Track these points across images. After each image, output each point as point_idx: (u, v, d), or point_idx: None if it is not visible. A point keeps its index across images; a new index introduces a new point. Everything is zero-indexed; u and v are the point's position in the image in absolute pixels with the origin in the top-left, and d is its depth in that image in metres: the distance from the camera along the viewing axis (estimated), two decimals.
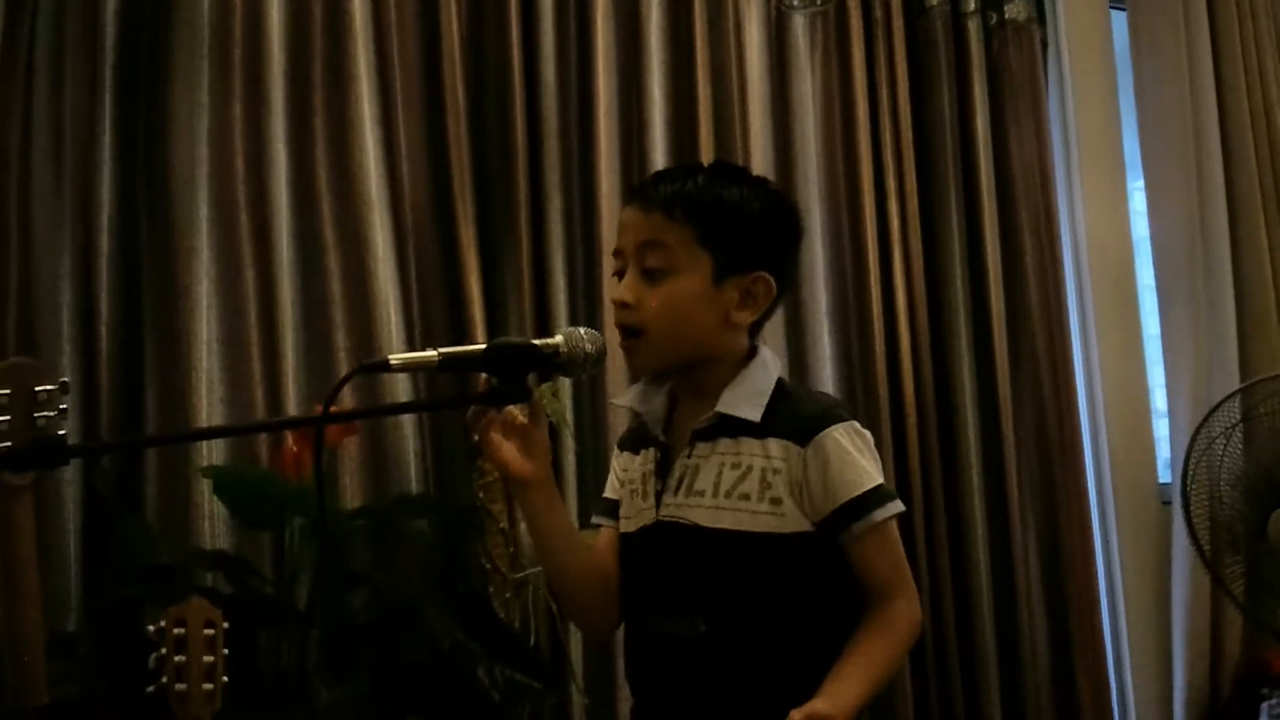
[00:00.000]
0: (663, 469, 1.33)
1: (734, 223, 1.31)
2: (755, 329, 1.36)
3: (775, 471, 1.27)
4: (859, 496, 1.26)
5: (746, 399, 1.30)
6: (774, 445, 1.28)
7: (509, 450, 1.28)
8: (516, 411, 1.29)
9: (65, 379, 1.32)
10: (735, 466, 1.28)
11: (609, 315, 2.42)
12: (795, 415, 1.29)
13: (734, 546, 1.27)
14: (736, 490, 1.27)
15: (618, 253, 1.34)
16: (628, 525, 1.37)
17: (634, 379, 1.41)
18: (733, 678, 1.26)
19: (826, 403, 1.35)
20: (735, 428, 1.30)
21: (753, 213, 1.33)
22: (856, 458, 1.27)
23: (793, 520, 1.27)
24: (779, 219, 1.36)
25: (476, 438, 1.30)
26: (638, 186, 1.38)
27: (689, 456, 1.31)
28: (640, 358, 1.32)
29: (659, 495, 1.32)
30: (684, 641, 1.27)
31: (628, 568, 1.37)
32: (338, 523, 2.07)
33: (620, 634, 2.31)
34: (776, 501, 1.27)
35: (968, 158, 2.87)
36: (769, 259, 1.33)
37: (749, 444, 1.29)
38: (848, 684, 1.22)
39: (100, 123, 2.19)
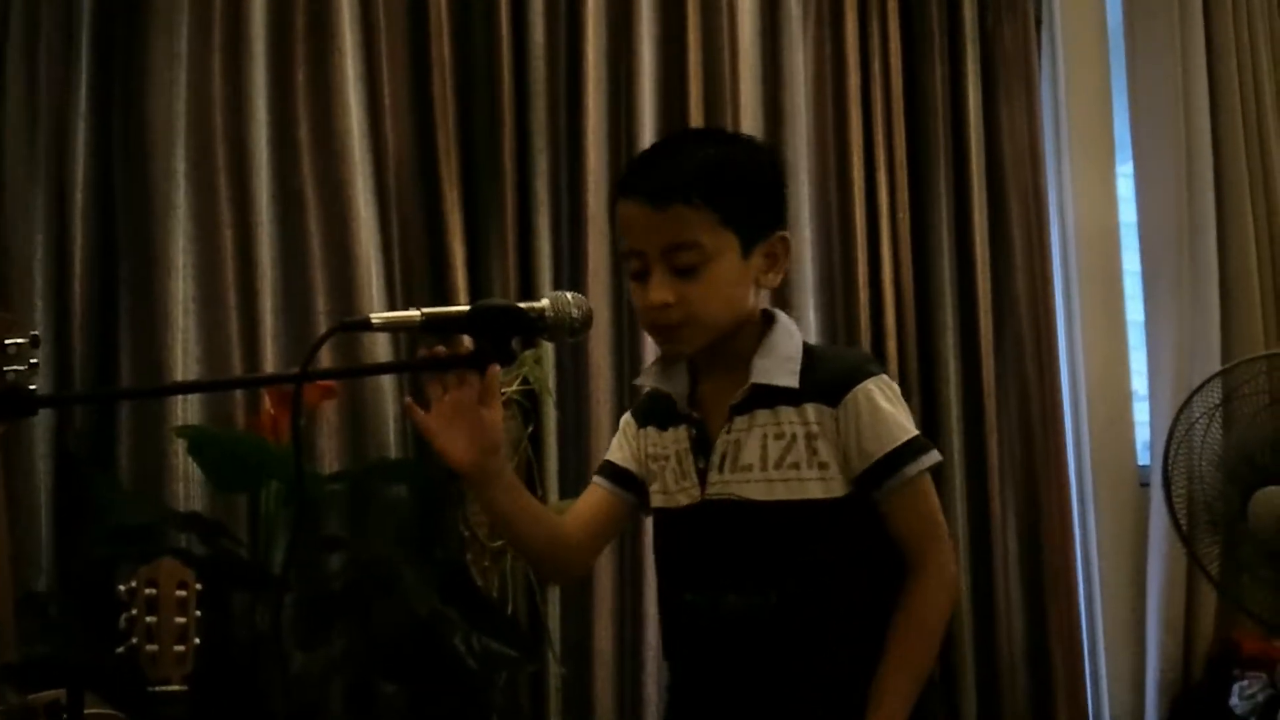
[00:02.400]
0: (700, 446, 1.31)
1: (748, 193, 1.29)
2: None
3: (816, 436, 1.26)
4: (892, 452, 1.25)
5: (779, 366, 1.28)
6: (810, 409, 1.27)
7: (449, 439, 1.23)
8: (454, 382, 1.22)
9: (36, 333, 1.29)
10: (779, 437, 1.27)
11: (594, 282, 2.43)
12: (825, 377, 1.28)
13: (793, 516, 1.26)
14: (786, 460, 1.26)
15: (635, 254, 1.28)
16: (662, 501, 1.35)
17: (667, 360, 1.36)
18: (805, 644, 1.26)
19: (855, 359, 1.34)
20: (770, 397, 1.28)
21: (758, 176, 1.31)
22: (889, 411, 1.26)
23: (839, 483, 1.26)
24: (776, 171, 1.35)
25: (417, 419, 1.25)
26: (635, 179, 1.30)
27: (728, 432, 1.29)
28: (685, 345, 1.29)
29: (702, 473, 1.30)
30: (750, 615, 1.26)
31: (670, 545, 1.36)
32: (314, 487, 2.04)
33: (597, 604, 2.34)
34: (824, 466, 1.26)
35: (958, 133, 2.86)
36: (779, 216, 1.33)
37: (786, 412, 1.27)
38: (890, 702, 1.22)
39: (76, 73, 2.14)
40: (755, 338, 1.31)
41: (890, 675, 1.23)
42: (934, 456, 1.27)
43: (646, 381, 1.38)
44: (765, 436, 1.27)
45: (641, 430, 1.39)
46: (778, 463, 1.26)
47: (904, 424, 1.27)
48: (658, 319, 1.27)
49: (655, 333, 1.30)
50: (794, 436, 1.26)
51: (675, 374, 1.35)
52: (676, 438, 1.34)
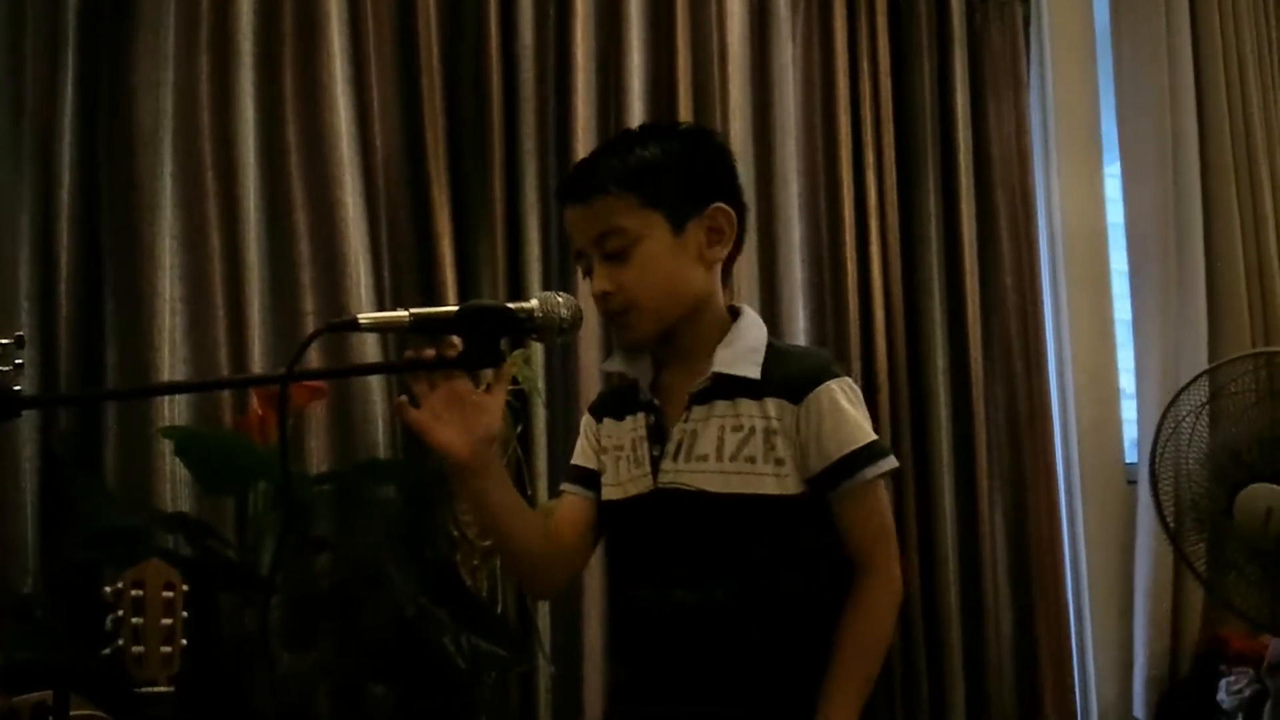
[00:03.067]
0: (656, 434, 1.31)
1: (667, 172, 1.30)
2: (728, 269, 1.35)
3: (774, 432, 1.25)
4: (851, 454, 1.25)
5: (742, 357, 1.28)
6: (771, 404, 1.26)
7: (441, 431, 1.23)
8: (452, 382, 1.23)
9: (21, 333, 1.28)
10: (736, 429, 1.26)
11: (583, 282, 2.42)
12: (789, 373, 1.28)
13: (744, 511, 1.25)
14: (742, 453, 1.26)
15: (579, 254, 1.32)
16: (614, 493, 1.34)
17: (627, 349, 1.37)
18: (749, 643, 1.25)
19: (820, 359, 1.33)
20: (731, 388, 1.28)
21: (678, 154, 1.32)
22: (851, 413, 1.26)
23: (794, 481, 1.26)
24: (705, 149, 1.36)
25: (409, 418, 1.24)
26: (564, 187, 1.36)
27: (686, 421, 1.29)
28: (635, 331, 1.30)
29: (656, 461, 1.30)
30: (697, 611, 1.25)
31: (619, 537, 1.35)
32: (302, 487, 2.04)
33: (587, 604, 2.34)
34: (780, 463, 1.25)
35: (947, 133, 2.86)
36: (715, 189, 1.32)
37: (746, 405, 1.27)
38: (838, 712, 1.22)
39: (62, 73, 2.13)
40: (720, 330, 1.31)
41: (838, 683, 1.23)
42: (891, 462, 1.27)
43: (611, 367, 1.38)
44: (723, 428, 1.27)
45: (599, 425, 1.39)
46: (733, 455, 1.26)
47: (864, 427, 1.27)
48: (604, 308, 1.29)
49: (610, 323, 1.31)
50: (752, 430, 1.26)
51: (639, 362, 1.35)
52: (634, 425, 1.33)
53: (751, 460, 1.25)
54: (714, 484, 1.26)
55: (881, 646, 1.27)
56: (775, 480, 1.25)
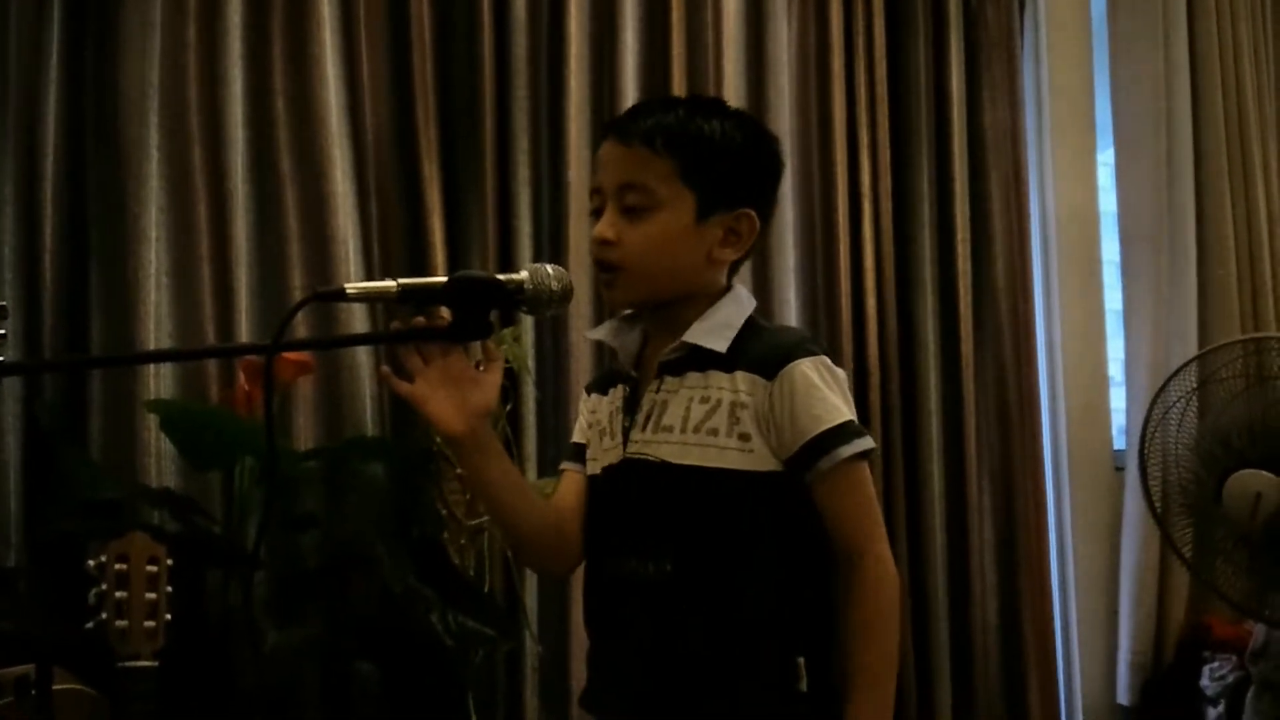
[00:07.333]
0: (630, 405, 1.30)
1: (717, 157, 1.27)
2: (735, 267, 1.33)
3: (743, 406, 1.22)
4: (825, 432, 1.21)
5: (714, 331, 1.26)
6: (741, 379, 1.24)
7: (438, 404, 1.21)
8: (437, 353, 1.21)
9: (4, 304, 1.26)
10: (704, 400, 1.24)
11: (575, 258, 2.41)
12: (763, 348, 1.25)
13: (701, 483, 1.22)
14: (705, 425, 1.23)
15: (597, 190, 1.29)
16: (594, 467, 1.33)
17: (610, 315, 1.36)
18: (697, 619, 1.22)
19: (796, 336, 1.31)
20: (704, 360, 1.26)
21: (736, 146, 1.28)
22: (825, 392, 1.23)
23: (761, 458, 1.22)
24: (761, 153, 1.32)
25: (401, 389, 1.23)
26: (616, 120, 1.33)
27: (657, 391, 1.27)
28: (619, 292, 1.28)
29: (626, 432, 1.28)
30: (648, 582, 1.23)
31: (593, 508, 1.34)
32: (289, 463, 2.02)
33: (574, 583, 2.33)
34: (745, 437, 1.22)
35: (941, 115, 2.85)
36: (752, 194, 1.29)
37: (717, 377, 1.25)
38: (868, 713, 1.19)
39: (47, 41, 2.10)
40: (708, 306, 1.29)
41: (862, 695, 1.19)
42: (868, 442, 1.23)
43: (597, 335, 1.36)
44: (691, 399, 1.25)
45: (589, 399, 1.38)
46: (697, 427, 1.23)
47: (839, 406, 1.23)
48: (599, 254, 1.27)
49: (599, 270, 1.28)
50: (719, 403, 1.23)
51: (626, 334, 1.33)
52: (613, 398, 1.32)
53: (714, 433, 1.23)
54: (674, 454, 1.24)
55: (892, 649, 1.22)
56: (740, 455, 1.22)
